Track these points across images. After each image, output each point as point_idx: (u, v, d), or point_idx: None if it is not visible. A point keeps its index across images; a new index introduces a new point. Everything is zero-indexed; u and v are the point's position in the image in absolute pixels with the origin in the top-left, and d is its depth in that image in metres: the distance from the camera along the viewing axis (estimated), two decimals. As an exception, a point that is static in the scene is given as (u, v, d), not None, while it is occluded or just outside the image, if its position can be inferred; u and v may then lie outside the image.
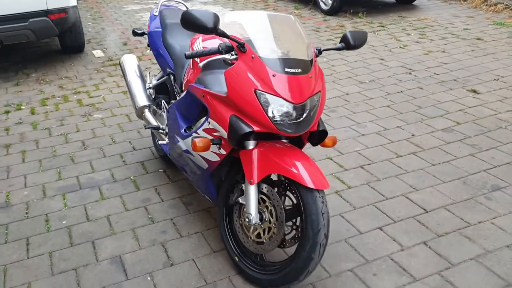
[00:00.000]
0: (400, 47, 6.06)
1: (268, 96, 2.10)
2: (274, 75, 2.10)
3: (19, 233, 2.85)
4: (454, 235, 2.69)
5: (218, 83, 2.27)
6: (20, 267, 2.56)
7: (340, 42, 2.43)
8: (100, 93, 5.00)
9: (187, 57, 2.24)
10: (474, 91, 4.62)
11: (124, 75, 3.42)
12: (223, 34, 2.12)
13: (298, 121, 2.14)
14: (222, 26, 2.20)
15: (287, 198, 2.39)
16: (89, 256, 2.64)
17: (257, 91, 2.10)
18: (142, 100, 3.24)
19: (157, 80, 3.30)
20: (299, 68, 2.15)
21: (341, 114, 4.26)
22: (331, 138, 2.42)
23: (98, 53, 6.39)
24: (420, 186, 3.14)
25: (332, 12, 7.78)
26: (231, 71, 2.17)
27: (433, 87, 4.77)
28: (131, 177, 3.41)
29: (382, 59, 5.63)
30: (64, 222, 2.94)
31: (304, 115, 2.15)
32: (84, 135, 4.08)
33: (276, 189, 2.34)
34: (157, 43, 3.21)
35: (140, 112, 3.25)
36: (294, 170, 2.12)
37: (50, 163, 3.64)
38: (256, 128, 2.16)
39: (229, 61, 2.23)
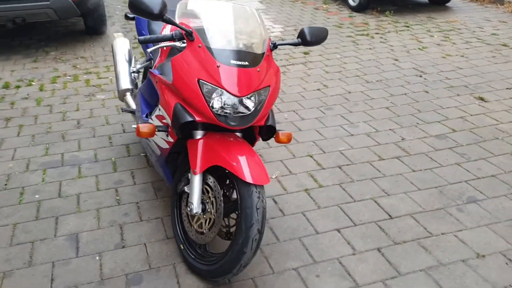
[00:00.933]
0: (419, 48, 5.87)
1: (211, 86, 2.10)
2: (218, 66, 2.09)
3: (-8, 203, 2.98)
4: (411, 244, 2.61)
5: (168, 70, 2.29)
6: (-17, 235, 2.69)
7: (297, 37, 2.40)
8: (109, 75, 5.11)
9: (140, 41, 2.26)
10: (481, 99, 4.43)
11: (113, 58, 3.50)
12: (169, 21, 2.13)
13: (240, 114, 2.13)
14: (181, 12, 2.22)
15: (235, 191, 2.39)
16: (49, 231, 2.73)
17: (200, 80, 2.10)
18: (125, 83, 3.30)
19: (141, 65, 3.35)
20: (246, 61, 2.14)
21: (337, 113, 4.19)
22: (285, 135, 2.39)
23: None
24: (393, 192, 3.06)
25: (360, 8, 7.62)
26: (177, 58, 2.18)
27: (439, 91, 4.61)
28: (112, 158, 3.49)
29: (396, 60, 5.49)
30: (36, 196, 3.05)
31: (248, 108, 2.14)
32: (82, 115, 4.20)
33: (227, 181, 2.35)
34: (143, 28, 3.25)
35: (121, 95, 3.31)
36: (234, 163, 2.12)
37: (42, 139, 3.77)
38: (197, 119, 2.16)
39: (180, 49, 2.24)
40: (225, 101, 2.10)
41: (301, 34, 2.37)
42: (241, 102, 2.11)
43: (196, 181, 2.24)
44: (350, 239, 2.65)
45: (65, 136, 3.81)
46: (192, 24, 2.23)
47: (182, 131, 2.23)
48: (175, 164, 2.57)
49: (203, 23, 2.21)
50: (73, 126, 3.98)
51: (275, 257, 2.51)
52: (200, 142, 2.25)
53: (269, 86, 2.21)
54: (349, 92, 4.62)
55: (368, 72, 5.14)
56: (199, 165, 2.22)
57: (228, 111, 2.11)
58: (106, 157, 3.51)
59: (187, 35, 2.17)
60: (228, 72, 2.10)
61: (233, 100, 2.10)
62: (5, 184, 3.17)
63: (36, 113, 4.23)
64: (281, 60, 5.52)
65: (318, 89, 4.70)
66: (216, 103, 2.10)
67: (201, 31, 2.17)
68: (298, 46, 2.45)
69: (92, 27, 6.38)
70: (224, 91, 2.09)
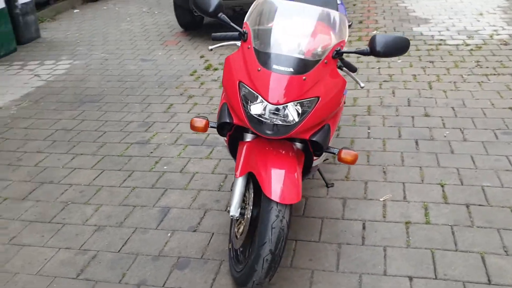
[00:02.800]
0: None
1: (248, 90, 2.02)
2: (259, 70, 2.00)
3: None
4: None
5: None
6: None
7: (368, 45, 2.06)
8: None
9: (213, 38, 2.30)
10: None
11: None
12: (224, 20, 2.10)
13: (278, 123, 1.99)
14: (254, 9, 2.18)
15: None
16: (152, 200, 3.04)
17: (240, 83, 2.04)
18: None
19: None
20: (292, 67, 1.98)
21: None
22: (349, 154, 2.13)
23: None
24: (517, 252, 2.38)
25: None
26: (228, 58, 2.15)
27: None
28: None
29: None
30: (165, 167, 3.42)
31: (286, 118, 1.98)
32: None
33: None
34: None
35: None
36: (264, 173, 2.01)
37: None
38: (235, 121, 2.11)
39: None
40: (258, 106, 1.99)
41: (372, 42, 2.03)
42: (278, 110, 1.97)
43: (237, 184, 2.19)
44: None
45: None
46: (257, 24, 2.16)
47: (221, 131, 2.21)
48: None
49: (264, 24, 2.11)
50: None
51: (320, 286, 2.28)
52: (245, 146, 2.18)
53: (318, 97, 1.99)
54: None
55: None
56: (240, 169, 2.16)
57: (261, 118, 1.99)
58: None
59: (241, 35, 2.12)
60: (267, 77, 1.97)
61: (269, 107, 1.97)
62: (151, 152, 3.64)
63: (213, 94, 4.66)
64: (487, 67, 4.72)
65: (510, 108, 3.87)
66: (253, 109, 2.01)
67: (257, 32, 2.09)
68: (368, 56, 2.09)
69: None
70: (259, 96, 1.98)
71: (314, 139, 2.07)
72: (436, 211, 2.73)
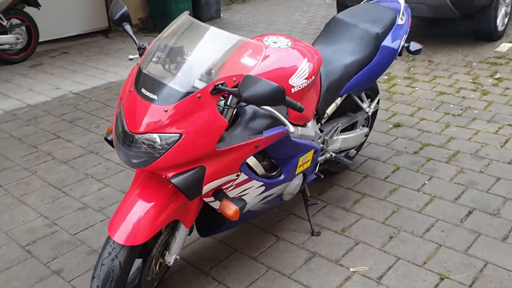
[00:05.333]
0: None
1: (120, 110, 1.91)
2: (131, 90, 1.87)
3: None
4: None
5: None
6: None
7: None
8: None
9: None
10: None
11: None
12: (127, 31, 2.09)
13: (126, 150, 1.83)
14: (173, 25, 2.02)
15: None
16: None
17: (121, 101, 1.94)
18: None
19: None
20: (157, 94, 1.79)
21: None
22: (227, 206, 1.89)
23: (504, 46, 5.52)
24: None
25: None
26: (132, 70, 2.04)
27: None
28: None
29: None
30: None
31: (135, 147, 1.80)
32: None
33: None
34: None
35: None
36: (121, 202, 1.93)
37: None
38: (109, 138, 2.07)
39: None
40: (119, 128, 1.86)
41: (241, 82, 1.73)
42: (128, 137, 1.80)
43: None
44: None
45: None
46: (162, 40, 2.00)
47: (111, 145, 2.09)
48: None
49: (166, 41, 1.97)
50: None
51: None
52: None
53: (180, 134, 1.74)
54: None
55: None
56: None
57: (119, 141, 1.86)
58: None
59: (139, 49, 2.05)
60: (133, 100, 1.82)
61: (124, 131, 1.83)
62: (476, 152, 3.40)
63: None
64: None
65: None
66: (116, 129, 1.90)
67: (154, 48, 1.96)
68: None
69: (478, 32, 5.65)
70: (123, 118, 1.84)
71: (172, 180, 1.78)
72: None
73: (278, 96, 1.65)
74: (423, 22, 6.34)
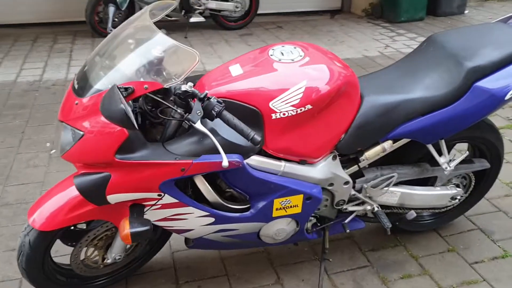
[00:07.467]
0: None
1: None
2: (73, 78, 1.81)
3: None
4: None
5: None
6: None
7: None
8: None
9: None
10: None
11: None
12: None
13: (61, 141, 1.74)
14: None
15: None
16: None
17: None
18: None
19: None
20: (77, 85, 1.69)
21: None
22: (122, 226, 1.69)
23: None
24: None
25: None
26: None
27: None
28: None
29: None
30: None
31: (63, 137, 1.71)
32: None
33: None
34: None
35: None
36: (48, 191, 1.88)
37: None
38: None
39: None
40: None
41: None
42: (61, 126, 1.69)
43: None
44: None
45: None
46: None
47: None
48: None
49: (117, 32, 1.80)
50: None
51: None
52: None
53: (82, 132, 1.60)
54: None
55: None
56: None
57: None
58: None
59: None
60: (69, 85, 1.75)
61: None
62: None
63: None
64: None
65: None
66: None
67: (108, 38, 1.82)
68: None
69: None
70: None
71: (74, 180, 1.68)
72: None
73: (121, 120, 1.39)
74: None
